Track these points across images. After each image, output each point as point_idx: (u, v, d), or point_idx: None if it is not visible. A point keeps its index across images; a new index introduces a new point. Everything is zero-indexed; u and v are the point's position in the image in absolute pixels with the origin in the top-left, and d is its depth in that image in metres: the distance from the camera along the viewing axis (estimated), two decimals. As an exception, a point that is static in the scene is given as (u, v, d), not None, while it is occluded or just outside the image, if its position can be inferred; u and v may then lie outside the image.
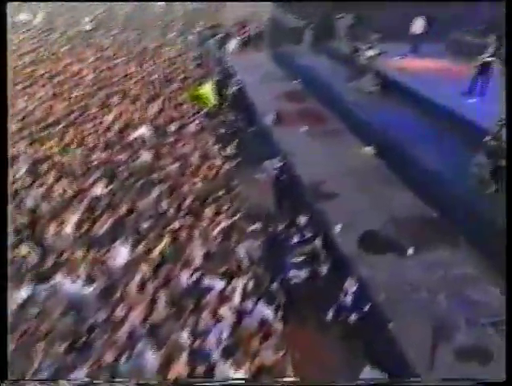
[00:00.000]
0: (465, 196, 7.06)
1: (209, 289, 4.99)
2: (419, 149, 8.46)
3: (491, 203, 6.73)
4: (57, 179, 7.71)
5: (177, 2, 27.37)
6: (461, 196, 7.10)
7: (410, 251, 6.57)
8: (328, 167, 8.90)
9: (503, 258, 4.15)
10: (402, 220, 7.20)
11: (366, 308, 5.11)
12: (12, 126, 10.30)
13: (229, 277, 5.32)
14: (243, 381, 3.47)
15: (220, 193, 7.71)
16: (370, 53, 11.28)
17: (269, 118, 11.13)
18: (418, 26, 13.12)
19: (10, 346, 3.93)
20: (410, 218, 7.29)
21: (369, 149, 9.32)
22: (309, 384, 3.14)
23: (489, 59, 9.71)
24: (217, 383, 3.59)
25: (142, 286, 4.91)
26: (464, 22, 13.75)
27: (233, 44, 18.65)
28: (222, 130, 10.64)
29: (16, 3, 22.02)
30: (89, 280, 5.20)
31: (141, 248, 5.86)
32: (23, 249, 5.35)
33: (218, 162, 8.98)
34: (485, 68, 9.82)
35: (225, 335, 3.97)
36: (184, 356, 3.96)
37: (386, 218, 7.29)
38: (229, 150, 9.49)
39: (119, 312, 4.64)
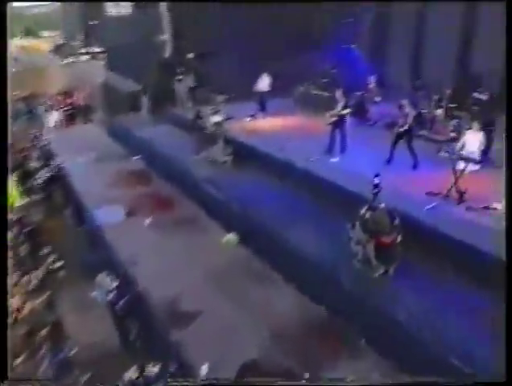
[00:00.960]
0: (352, 283, 6.20)
1: None
2: (289, 228, 7.59)
3: (383, 290, 5.95)
4: None
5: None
6: (348, 284, 6.21)
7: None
8: (183, 272, 7.36)
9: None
10: (287, 335, 5.93)
11: None
12: None
13: None
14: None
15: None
16: (217, 118, 10.55)
17: (104, 211, 9.26)
18: (264, 83, 13.13)
19: None
20: (295, 327, 6.08)
21: (231, 237, 8.13)
22: (309, 384, 3.30)
23: (344, 112, 9.75)
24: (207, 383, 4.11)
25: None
26: (309, 76, 14.43)
27: (54, 117, 16.54)
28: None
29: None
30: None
31: None
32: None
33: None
34: (340, 122, 9.81)
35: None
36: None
37: (266, 336, 5.94)
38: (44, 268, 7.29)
39: None
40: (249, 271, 7.44)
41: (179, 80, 14.52)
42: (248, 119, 12.87)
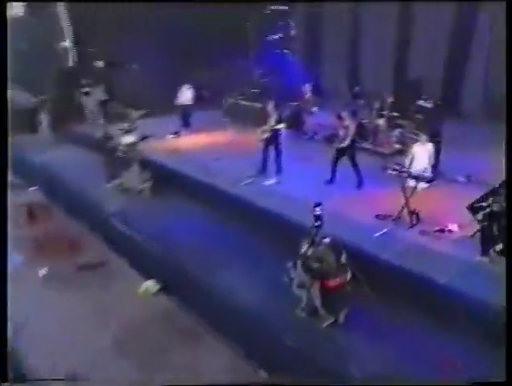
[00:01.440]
0: (296, 337, 5.50)
1: None
2: (220, 270, 6.82)
3: (333, 344, 5.30)
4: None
5: None
6: (290, 338, 5.51)
7: None
8: (88, 336, 6.28)
9: None
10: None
11: None
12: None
13: None
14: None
15: None
16: (129, 138, 9.57)
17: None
18: (185, 95, 12.35)
19: None
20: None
21: (150, 285, 7.17)
22: (308, 385, 3.49)
23: (277, 126, 9.20)
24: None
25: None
26: (238, 85, 13.90)
27: None
28: None
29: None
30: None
31: None
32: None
33: None
34: (273, 138, 9.26)
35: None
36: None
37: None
38: None
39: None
40: (172, 327, 6.53)
41: (87, 93, 13.35)
42: (170, 137, 12.01)
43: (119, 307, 6.91)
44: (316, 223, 5.62)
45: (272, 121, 9.23)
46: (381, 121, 11.12)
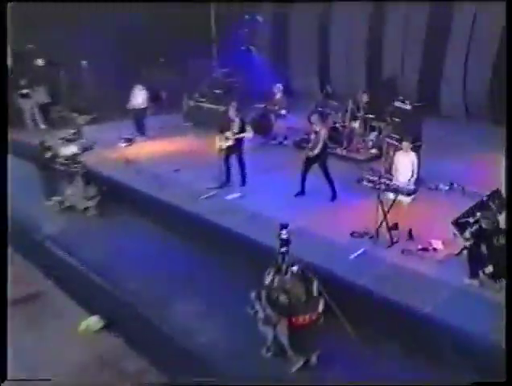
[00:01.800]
0: (262, 382, 4.97)
1: None
2: (174, 303, 6.23)
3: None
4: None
5: None
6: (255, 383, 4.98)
7: None
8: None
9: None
10: None
11: None
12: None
13: None
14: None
15: None
16: (71, 149, 8.87)
17: None
18: (138, 97, 11.71)
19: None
20: None
21: (93, 321, 6.50)
22: (304, 384, 3.62)
23: (245, 134, 8.71)
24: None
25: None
26: (199, 86, 13.35)
27: None
28: None
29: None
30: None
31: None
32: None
33: None
34: (236, 146, 8.75)
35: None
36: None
37: None
38: None
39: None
40: (119, 372, 5.89)
41: (25, 95, 12.48)
42: (121, 145, 11.35)
43: (56, 348, 6.24)
44: (282, 249, 5.12)
45: (235, 126, 8.73)
46: (355, 124, 10.78)
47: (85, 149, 9.01)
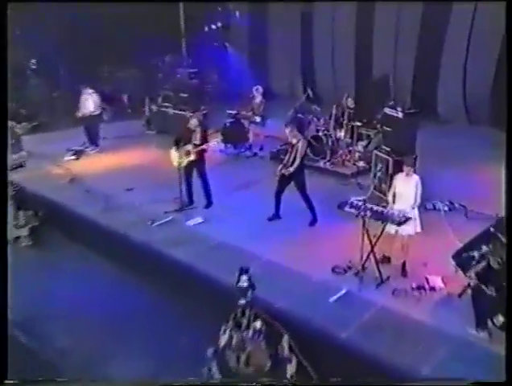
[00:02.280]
0: None
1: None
2: (114, 362, 5.46)
3: None
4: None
5: None
6: None
7: None
8: None
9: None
10: None
11: None
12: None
13: None
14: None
15: None
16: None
17: None
18: (90, 102, 10.92)
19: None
20: None
21: None
22: (309, 384, 3.78)
23: (205, 146, 8.04)
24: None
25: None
26: (164, 89, 12.65)
27: None
28: None
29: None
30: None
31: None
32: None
33: None
34: (198, 161, 8.03)
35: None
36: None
37: None
38: None
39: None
40: None
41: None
42: (67, 158, 10.56)
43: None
44: (242, 301, 4.39)
45: (196, 137, 8.01)
46: (341, 133, 10.14)
47: (15, 167, 8.19)
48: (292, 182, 7.51)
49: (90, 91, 10.84)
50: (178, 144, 8.04)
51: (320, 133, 10.14)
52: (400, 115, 7.93)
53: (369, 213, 5.91)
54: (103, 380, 4.45)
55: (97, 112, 10.97)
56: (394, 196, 6.31)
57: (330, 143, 9.97)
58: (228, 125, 11.11)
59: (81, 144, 11.07)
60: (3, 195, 4.61)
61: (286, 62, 15.52)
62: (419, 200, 6.20)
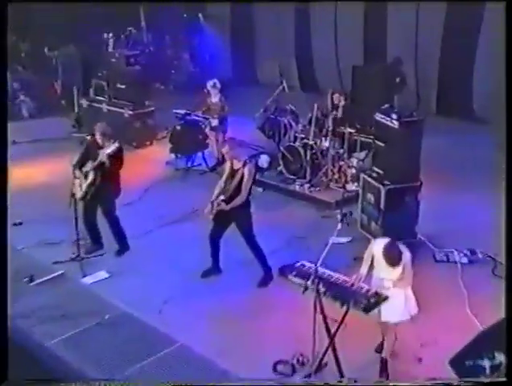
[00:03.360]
0: None
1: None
2: None
3: None
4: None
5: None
6: None
7: None
8: None
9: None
10: None
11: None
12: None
13: None
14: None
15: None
16: None
17: None
18: None
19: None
20: None
21: None
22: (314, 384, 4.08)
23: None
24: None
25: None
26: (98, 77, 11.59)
27: None
28: None
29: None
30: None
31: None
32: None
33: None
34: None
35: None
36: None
37: None
38: None
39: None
40: None
41: None
42: None
43: None
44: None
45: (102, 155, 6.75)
46: (325, 143, 8.83)
47: None
48: (233, 224, 6.27)
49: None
50: (82, 166, 6.85)
51: (297, 143, 8.87)
52: (395, 124, 6.61)
53: (322, 287, 4.60)
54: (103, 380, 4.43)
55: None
56: (371, 260, 5.02)
57: (308, 157, 8.67)
58: (179, 128, 9.92)
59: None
60: (3, 195, 4.84)
61: (276, 40, 14.47)
62: (409, 274, 4.87)
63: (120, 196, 7.71)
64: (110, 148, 6.68)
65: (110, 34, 12.95)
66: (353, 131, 8.78)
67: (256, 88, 14.10)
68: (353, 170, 8.65)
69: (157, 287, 6.41)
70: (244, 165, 6.17)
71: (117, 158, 6.81)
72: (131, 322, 5.83)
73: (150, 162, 10.25)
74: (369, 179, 7.05)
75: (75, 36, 13.43)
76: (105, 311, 5.95)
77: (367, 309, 4.47)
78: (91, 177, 6.71)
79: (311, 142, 8.82)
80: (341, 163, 8.81)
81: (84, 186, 6.74)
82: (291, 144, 8.98)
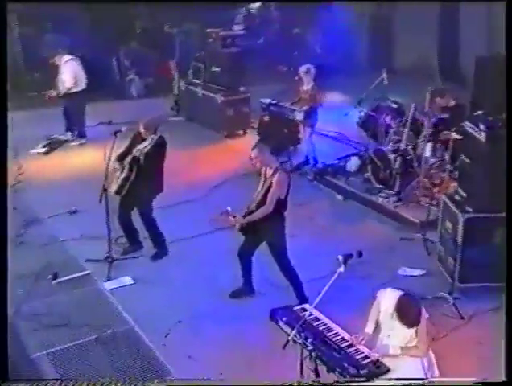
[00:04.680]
0: None
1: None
2: None
3: None
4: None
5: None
6: None
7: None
8: None
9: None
10: None
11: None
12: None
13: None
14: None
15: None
16: None
17: None
18: (68, 72, 9.97)
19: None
20: None
21: None
22: (309, 384, 3.72)
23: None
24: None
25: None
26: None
27: None
28: None
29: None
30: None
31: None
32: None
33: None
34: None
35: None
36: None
37: None
38: None
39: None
40: None
41: None
42: (34, 151, 9.71)
43: None
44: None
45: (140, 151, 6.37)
46: (427, 150, 7.66)
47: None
48: (262, 243, 5.55)
49: (67, 56, 9.74)
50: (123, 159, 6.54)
51: (389, 147, 7.81)
52: (482, 137, 5.42)
53: (310, 344, 3.75)
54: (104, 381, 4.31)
55: (79, 89, 9.86)
56: (376, 322, 4.07)
57: (399, 165, 7.59)
58: (267, 118, 9.29)
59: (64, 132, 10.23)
60: (3, 195, 4.79)
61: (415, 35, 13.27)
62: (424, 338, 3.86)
63: (183, 191, 7.33)
64: (145, 143, 6.26)
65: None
66: (459, 138, 7.57)
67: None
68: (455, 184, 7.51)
69: (177, 302, 5.92)
70: (274, 173, 5.43)
71: (156, 153, 6.35)
72: (132, 342, 5.33)
73: (234, 155, 9.67)
74: (449, 203, 5.90)
75: (199, 14, 13.27)
76: (111, 324, 5.52)
77: (356, 380, 3.59)
78: (125, 171, 6.35)
79: (403, 147, 7.75)
80: (443, 175, 7.67)
81: (120, 180, 6.42)
82: (381, 148, 7.95)
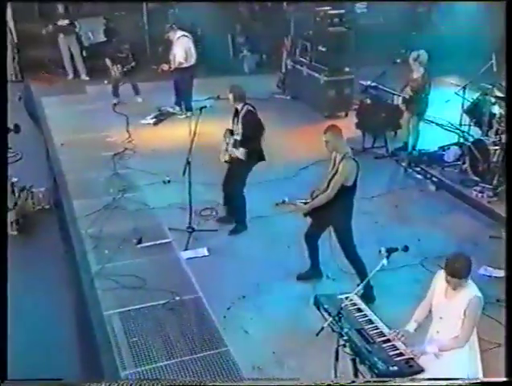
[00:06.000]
0: None
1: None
2: None
3: None
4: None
5: None
6: None
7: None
8: None
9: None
10: None
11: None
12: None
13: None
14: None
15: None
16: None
17: None
18: (180, 47, 10.36)
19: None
20: None
21: None
22: (309, 384, 3.70)
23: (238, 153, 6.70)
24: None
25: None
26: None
27: None
28: None
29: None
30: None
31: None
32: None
33: None
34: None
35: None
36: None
37: None
38: None
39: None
40: None
41: (64, 29, 12.20)
42: (144, 122, 10.34)
43: None
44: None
45: (236, 131, 6.66)
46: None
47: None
48: (329, 227, 5.49)
49: (180, 32, 10.07)
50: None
51: (491, 139, 7.38)
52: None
53: (345, 334, 3.71)
54: (104, 380, 4.50)
55: (189, 64, 10.18)
56: (426, 311, 3.92)
57: (500, 158, 7.15)
58: (368, 101, 9.09)
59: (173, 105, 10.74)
60: (3, 194, 4.94)
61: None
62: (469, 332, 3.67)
63: (272, 169, 7.38)
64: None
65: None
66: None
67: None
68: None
69: (244, 278, 6.07)
70: (342, 159, 5.34)
71: (249, 123, 6.57)
72: (197, 311, 5.50)
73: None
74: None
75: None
76: (181, 292, 5.72)
77: (381, 376, 3.50)
78: (231, 143, 6.74)
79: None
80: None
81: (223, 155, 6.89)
82: (482, 138, 7.52)
